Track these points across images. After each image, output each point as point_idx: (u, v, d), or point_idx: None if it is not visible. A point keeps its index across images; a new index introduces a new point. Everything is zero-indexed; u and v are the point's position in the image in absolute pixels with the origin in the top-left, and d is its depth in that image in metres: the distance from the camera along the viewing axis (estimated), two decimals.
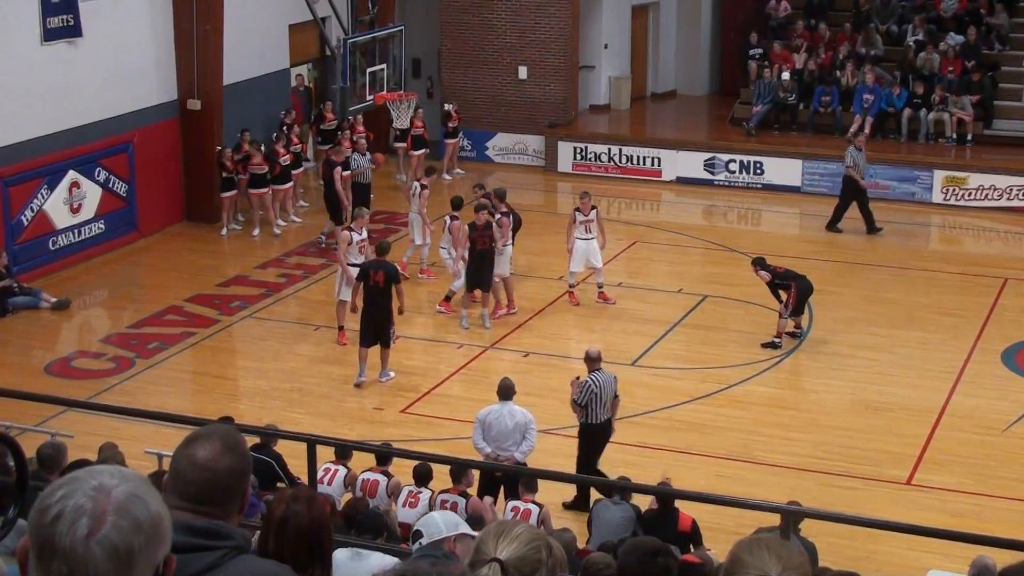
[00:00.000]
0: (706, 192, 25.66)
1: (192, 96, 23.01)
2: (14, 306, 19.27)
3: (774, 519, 9.40)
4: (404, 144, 25.82)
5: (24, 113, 20.00)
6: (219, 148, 22.84)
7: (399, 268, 17.51)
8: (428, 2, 28.51)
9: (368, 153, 22.64)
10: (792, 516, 8.24)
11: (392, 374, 16.79)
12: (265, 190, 22.89)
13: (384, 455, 12.08)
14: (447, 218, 19.39)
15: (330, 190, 21.83)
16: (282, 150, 23.13)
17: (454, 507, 10.79)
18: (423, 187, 20.32)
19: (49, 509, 2.12)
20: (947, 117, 25.71)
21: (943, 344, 17.95)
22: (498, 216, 18.78)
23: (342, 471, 11.97)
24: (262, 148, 22.93)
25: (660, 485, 11.50)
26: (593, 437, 13.19)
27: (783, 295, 17.75)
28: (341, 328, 17.95)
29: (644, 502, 11.33)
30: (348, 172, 22.19)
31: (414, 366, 17.35)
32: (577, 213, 19.00)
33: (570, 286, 19.37)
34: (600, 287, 19.26)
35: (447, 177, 26.33)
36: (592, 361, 13.32)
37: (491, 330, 18.33)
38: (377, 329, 16.46)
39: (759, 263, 17.89)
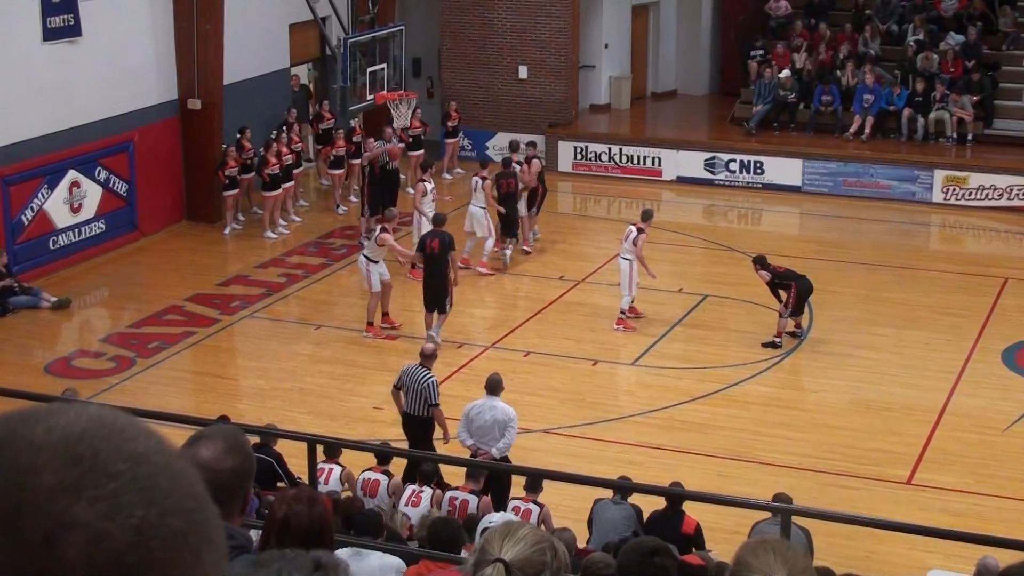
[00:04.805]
0: (706, 192, 25.63)
1: (192, 96, 22.99)
2: (14, 306, 19.25)
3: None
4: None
5: (24, 113, 19.97)
6: (224, 147, 22.81)
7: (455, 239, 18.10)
8: (428, 2, 28.49)
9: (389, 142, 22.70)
10: (789, 514, 8.24)
11: (439, 339, 17.08)
12: (279, 192, 22.88)
13: (384, 455, 12.07)
14: (477, 179, 20.80)
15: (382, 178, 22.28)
16: (285, 149, 23.11)
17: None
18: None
19: None
20: (947, 117, 25.69)
21: (943, 344, 17.94)
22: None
23: (336, 469, 11.96)
24: (274, 147, 22.85)
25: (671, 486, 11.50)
26: None
27: (783, 295, 17.74)
28: (371, 323, 18.04)
29: (644, 502, 11.32)
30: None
31: None
32: (641, 235, 18.30)
33: (622, 311, 18.47)
34: (622, 312, 18.50)
35: (447, 176, 26.32)
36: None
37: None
38: (435, 295, 17.41)
39: (760, 262, 17.86)
